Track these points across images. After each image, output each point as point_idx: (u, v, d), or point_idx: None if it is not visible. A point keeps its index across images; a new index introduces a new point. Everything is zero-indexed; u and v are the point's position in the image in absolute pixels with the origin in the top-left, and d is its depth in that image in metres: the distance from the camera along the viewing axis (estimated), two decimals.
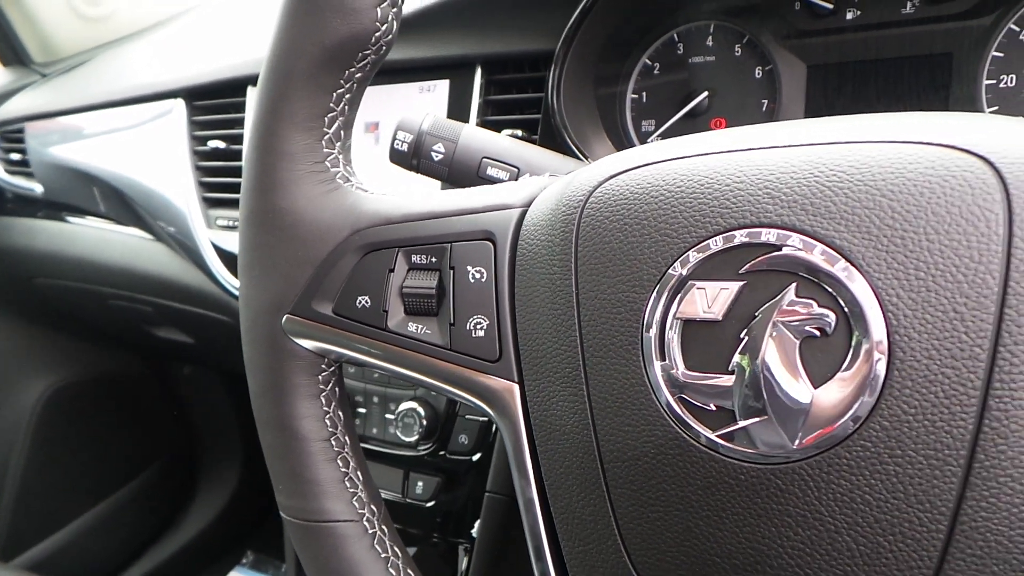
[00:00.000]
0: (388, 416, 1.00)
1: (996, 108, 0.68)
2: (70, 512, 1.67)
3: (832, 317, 0.32)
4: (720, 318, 0.34)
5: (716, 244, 0.34)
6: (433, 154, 0.60)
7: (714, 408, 0.34)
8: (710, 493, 0.35)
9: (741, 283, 0.34)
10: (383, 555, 0.47)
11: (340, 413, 0.49)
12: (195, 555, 1.85)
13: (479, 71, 0.87)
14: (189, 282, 1.18)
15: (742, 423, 0.34)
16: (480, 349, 0.42)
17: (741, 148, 0.36)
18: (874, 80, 0.73)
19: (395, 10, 0.44)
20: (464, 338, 0.43)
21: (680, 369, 0.35)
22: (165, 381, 1.85)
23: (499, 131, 0.85)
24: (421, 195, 0.46)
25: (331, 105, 0.45)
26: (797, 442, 0.32)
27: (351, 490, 0.48)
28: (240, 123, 1.08)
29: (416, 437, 0.94)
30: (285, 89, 0.44)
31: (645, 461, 0.36)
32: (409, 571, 0.48)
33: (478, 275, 0.43)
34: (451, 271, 0.43)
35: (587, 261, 0.38)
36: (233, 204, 1.09)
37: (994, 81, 0.68)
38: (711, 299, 0.34)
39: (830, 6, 0.73)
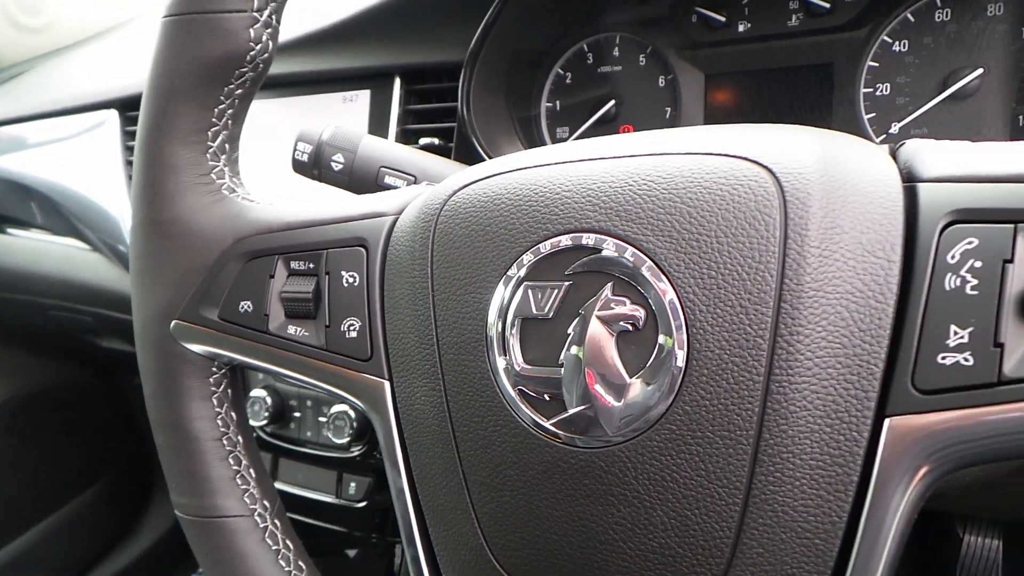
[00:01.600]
0: (321, 419, 1.02)
1: (873, 114, 0.73)
2: (17, 527, 1.66)
3: (642, 314, 0.35)
4: (551, 316, 0.37)
5: (545, 248, 0.37)
6: (333, 164, 0.62)
7: (548, 398, 0.37)
8: (547, 477, 0.38)
9: (568, 283, 0.37)
10: (274, 548, 0.50)
11: (233, 414, 0.51)
12: (148, 568, 1.84)
13: (398, 81, 0.89)
14: (126, 291, 1.18)
15: (570, 411, 0.37)
16: (353, 349, 0.45)
17: (572, 160, 0.39)
18: (766, 88, 0.78)
19: (269, 30, 0.47)
20: (338, 339, 0.45)
21: (519, 363, 0.38)
22: (115, 392, 1.84)
23: (418, 140, 0.88)
24: (302, 204, 0.49)
25: (213, 120, 0.48)
26: (615, 428, 0.36)
27: (243, 487, 0.50)
28: None
29: (347, 439, 0.96)
30: (166, 106, 0.46)
31: (493, 449, 0.39)
32: (300, 563, 0.50)
33: (351, 279, 0.45)
34: (326, 276, 0.46)
35: (440, 265, 0.41)
36: None
37: (871, 89, 0.73)
38: (543, 298, 0.37)
39: (722, 19, 0.77)
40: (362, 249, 0.45)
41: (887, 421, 0.32)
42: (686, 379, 0.34)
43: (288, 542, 0.51)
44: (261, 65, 0.47)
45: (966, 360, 0.30)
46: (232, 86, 0.47)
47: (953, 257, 0.31)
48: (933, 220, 0.31)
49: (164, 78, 0.46)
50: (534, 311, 0.38)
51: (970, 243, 0.30)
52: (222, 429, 0.50)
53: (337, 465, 1.02)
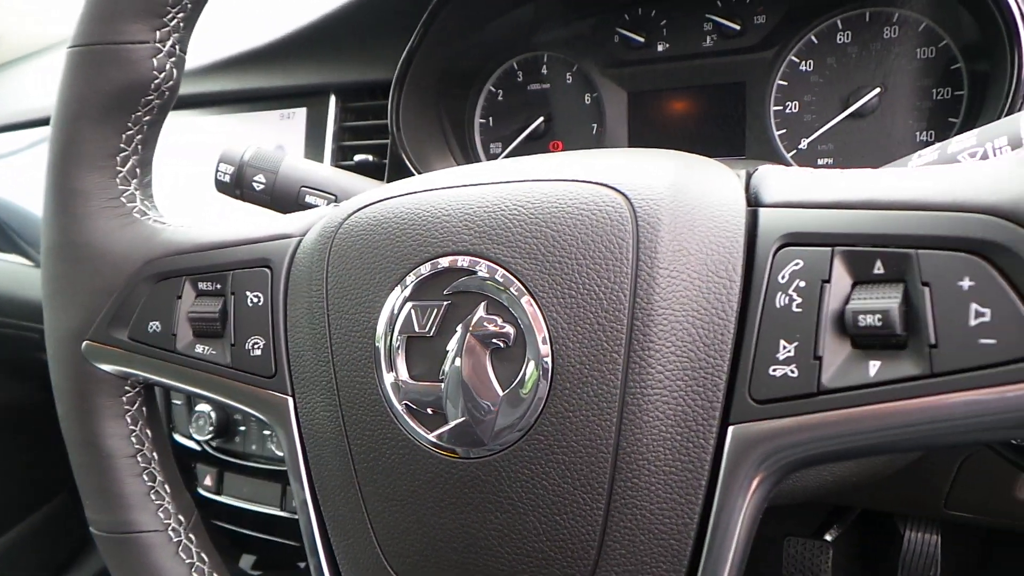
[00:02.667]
0: (266, 432, 1.03)
1: (784, 131, 0.76)
2: None
3: (512, 331, 0.37)
4: (432, 333, 0.39)
5: (426, 269, 0.39)
6: (255, 184, 0.64)
7: (431, 412, 0.39)
8: (433, 487, 0.40)
9: (447, 303, 0.39)
10: (187, 561, 0.51)
11: (148, 431, 0.52)
12: None
13: (333, 99, 0.91)
14: None
15: (450, 424, 0.39)
16: (258, 366, 0.47)
17: (455, 185, 0.41)
18: (684, 105, 0.81)
19: (173, 59, 0.48)
20: (243, 357, 0.47)
21: (405, 378, 0.40)
22: None
23: (352, 156, 0.90)
24: (212, 226, 0.50)
25: (122, 146, 0.49)
26: (489, 439, 0.38)
27: (156, 502, 0.51)
28: None
29: None
30: (74, 133, 0.48)
31: (384, 461, 0.41)
32: (215, 575, 0.52)
33: (255, 299, 0.47)
34: (232, 296, 0.47)
35: (334, 284, 0.43)
36: None
37: (781, 107, 0.76)
38: (425, 317, 0.39)
39: (641, 39, 0.80)
40: (267, 270, 0.47)
41: (730, 429, 0.34)
42: (551, 393, 0.36)
43: (204, 556, 0.52)
44: (167, 92, 0.49)
45: (792, 372, 0.32)
46: (139, 113, 0.49)
47: (783, 277, 0.33)
48: (768, 243, 0.34)
49: (71, 106, 0.48)
50: (417, 329, 0.40)
51: (796, 264, 0.33)
52: (136, 446, 0.51)
53: (282, 478, 1.03)
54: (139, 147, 0.50)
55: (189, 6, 0.47)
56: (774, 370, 0.33)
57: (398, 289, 0.40)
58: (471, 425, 0.38)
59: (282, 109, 0.95)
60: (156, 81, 0.48)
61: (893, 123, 0.72)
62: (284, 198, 0.64)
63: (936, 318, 0.29)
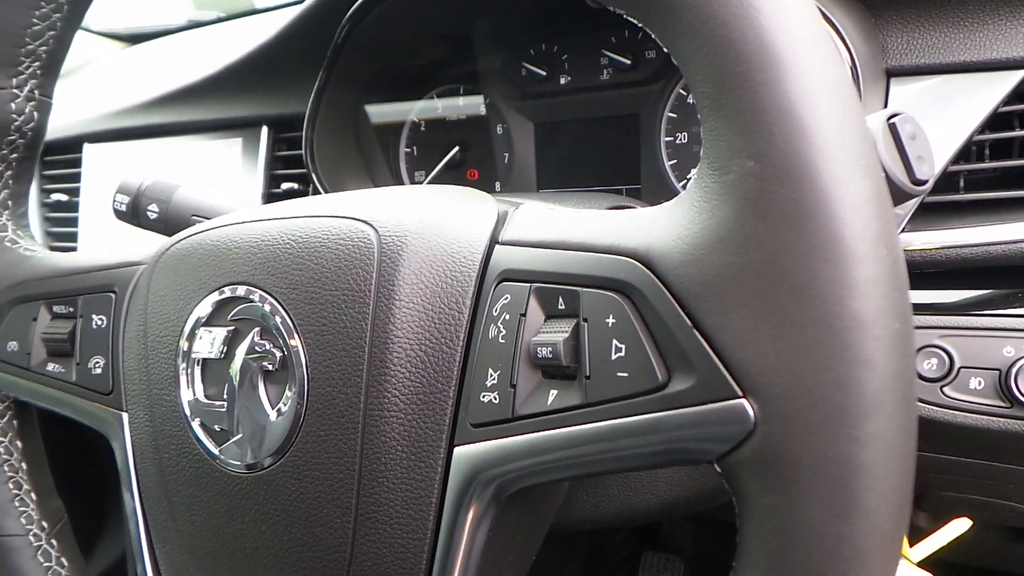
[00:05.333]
0: None
1: (675, 161, 0.78)
2: None
3: (279, 355, 0.41)
4: (220, 356, 0.43)
5: (216, 296, 0.43)
6: (149, 213, 0.68)
7: (219, 429, 0.43)
8: (221, 499, 0.43)
9: (231, 328, 0.42)
10: (45, 564, 0.55)
11: (18, 442, 0.57)
12: None
13: (265, 130, 0.96)
14: None
15: (231, 440, 0.42)
16: (98, 384, 0.50)
17: (250, 220, 0.45)
18: (585, 136, 0.84)
19: (33, 103, 0.53)
20: (86, 375, 0.51)
21: (200, 397, 0.44)
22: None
23: (280, 184, 0.94)
24: (74, 253, 0.55)
25: None
26: (260, 456, 0.41)
27: (21, 508, 0.56)
28: (78, 178, 1.16)
29: None
30: None
31: (186, 474, 0.45)
32: None
33: (100, 322, 0.51)
34: (80, 319, 0.52)
35: (152, 309, 0.47)
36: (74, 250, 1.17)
37: (671, 138, 0.78)
38: (215, 340, 0.43)
39: (543, 72, 0.84)
40: (112, 294, 0.51)
41: (455, 450, 0.37)
42: (307, 415, 0.39)
43: (64, 560, 0.56)
44: (30, 133, 0.54)
45: (495, 399, 0.35)
46: (5, 151, 0.54)
47: (496, 310, 0.36)
48: (492, 278, 0.37)
49: None
50: (208, 352, 0.43)
51: (506, 299, 0.35)
52: (4, 456, 0.56)
53: None
54: (11, 182, 0.55)
55: (44, 56, 0.51)
56: (483, 396, 0.35)
57: (195, 314, 0.44)
58: (246, 442, 0.41)
59: (224, 139, 1.00)
60: (16, 123, 0.53)
61: None
62: (177, 226, 0.68)
63: (589, 352, 0.31)
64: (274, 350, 0.41)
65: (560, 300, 0.33)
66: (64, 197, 1.18)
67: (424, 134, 0.94)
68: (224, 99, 0.97)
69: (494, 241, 0.39)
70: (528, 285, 0.35)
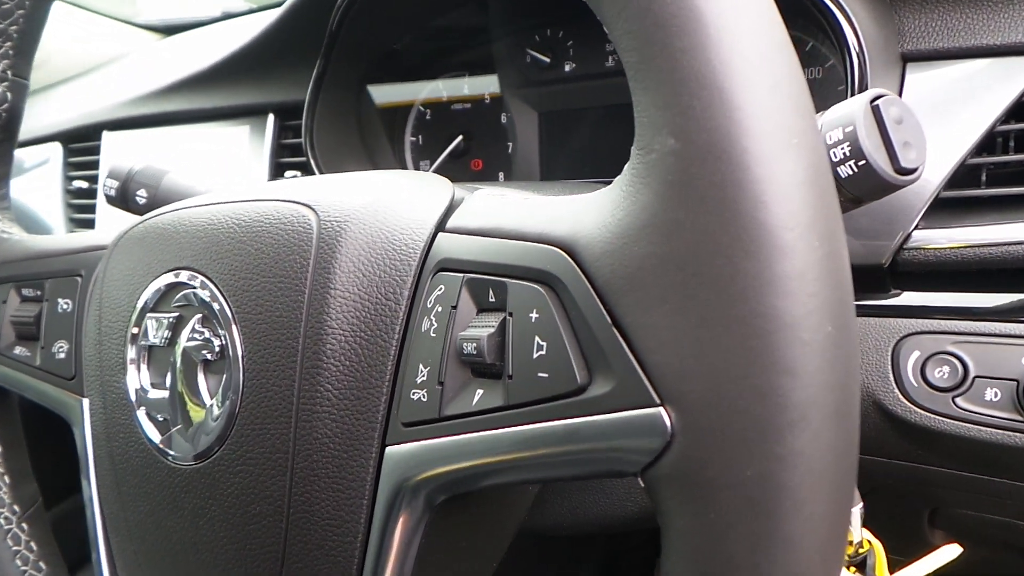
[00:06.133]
0: None
1: None
2: None
3: (217, 344, 0.39)
4: (164, 344, 0.41)
5: (162, 282, 0.42)
6: (138, 199, 0.68)
7: (162, 419, 0.41)
8: (163, 490, 0.42)
9: (176, 315, 0.41)
10: (14, 548, 0.55)
11: None
12: None
13: (271, 118, 0.95)
14: None
15: (171, 431, 0.41)
16: (61, 368, 0.50)
17: (195, 205, 0.43)
18: (590, 125, 0.80)
19: (6, 83, 0.52)
20: (50, 359, 0.50)
21: (145, 386, 0.42)
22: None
23: (284, 173, 0.93)
24: (45, 237, 0.54)
25: None
26: (198, 448, 0.39)
27: None
28: (97, 165, 1.18)
29: None
30: None
31: (134, 464, 0.43)
32: (41, 563, 0.55)
33: (65, 306, 0.50)
34: (46, 303, 0.51)
35: (107, 294, 0.46)
36: None
37: None
38: (159, 328, 0.42)
39: (547, 59, 0.81)
40: (78, 278, 0.50)
41: (387, 450, 0.34)
42: (241, 408, 0.38)
43: (33, 544, 0.56)
44: (5, 114, 0.53)
45: (424, 397, 0.32)
46: None
47: (430, 302, 0.33)
48: (430, 267, 0.34)
49: None
50: (152, 339, 0.42)
51: (440, 290, 0.33)
52: None
53: None
54: None
55: (15, 35, 0.51)
56: (414, 394, 0.33)
57: (142, 300, 0.43)
58: (185, 434, 0.40)
59: (232, 125, 1.00)
60: None
61: None
62: None
63: (512, 349, 0.29)
64: (213, 339, 0.39)
65: (491, 292, 0.31)
66: (85, 184, 1.19)
67: (429, 123, 0.92)
68: (231, 87, 0.97)
69: (439, 229, 0.36)
70: (461, 276, 0.32)
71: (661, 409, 0.23)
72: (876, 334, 0.58)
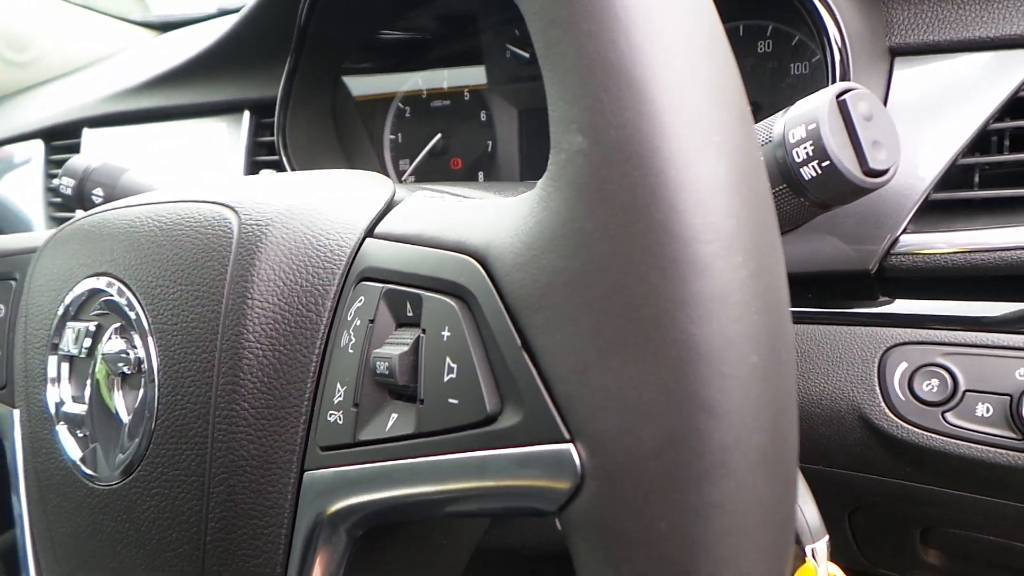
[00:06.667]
0: None
1: None
2: None
3: (134, 356, 0.36)
4: (84, 355, 0.39)
5: (82, 287, 0.39)
6: (94, 197, 0.65)
7: (81, 435, 0.39)
8: (84, 511, 0.39)
9: (95, 323, 0.38)
10: None
11: None
12: None
13: (247, 114, 0.92)
14: None
15: (89, 448, 0.38)
16: None
17: (119, 207, 0.40)
18: None
19: None
20: None
21: (65, 399, 0.40)
22: None
23: (260, 171, 0.91)
24: None
25: None
26: (114, 469, 0.37)
27: None
28: None
29: None
30: None
31: (56, 480, 0.41)
32: None
33: None
34: None
35: (32, 300, 0.43)
36: None
37: None
38: (79, 337, 0.39)
39: (527, 55, 0.78)
40: (12, 282, 0.48)
41: (306, 475, 0.32)
42: (157, 424, 0.35)
43: None
44: None
45: (340, 419, 0.30)
46: None
47: (350, 315, 0.31)
48: (354, 276, 0.32)
49: None
50: (71, 349, 0.39)
51: (360, 301, 0.30)
52: None
53: None
54: None
55: None
56: (331, 415, 0.30)
57: (62, 307, 0.40)
58: (102, 452, 0.37)
59: (208, 122, 0.97)
60: None
61: None
62: None
63: (424, 370, 0.26)
64: (130, 351, 0.36)
65: (408, 306, 0.28)
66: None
67: (408, 120, 0.89)
68: (208, 83, 0.94)
69: (369, 234, 0.34)
70: (381, 287, 0.29)
71: (571, 446, 0.20)
72: (862, 344, 0.54)
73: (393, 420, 0.27)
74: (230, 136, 0.94)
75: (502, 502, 0.24)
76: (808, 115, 0.31)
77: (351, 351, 0.30)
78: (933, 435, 0.51)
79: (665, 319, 0.18)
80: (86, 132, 1.14)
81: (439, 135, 0.85)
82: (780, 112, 0.35)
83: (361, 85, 0.87)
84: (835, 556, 0.72)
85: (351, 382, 0.29)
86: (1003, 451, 0.49)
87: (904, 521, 0.64)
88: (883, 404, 0.53)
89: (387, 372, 0.27)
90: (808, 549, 0.35)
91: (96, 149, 1.14)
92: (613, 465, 0.19)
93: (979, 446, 0.50)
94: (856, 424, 0.54)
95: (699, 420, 0.18)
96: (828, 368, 0.55)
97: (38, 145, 1.26)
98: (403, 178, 0.90)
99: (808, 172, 0.31)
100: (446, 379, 0.25)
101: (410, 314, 0.28)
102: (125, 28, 1.84)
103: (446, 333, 0.25)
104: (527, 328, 0.22)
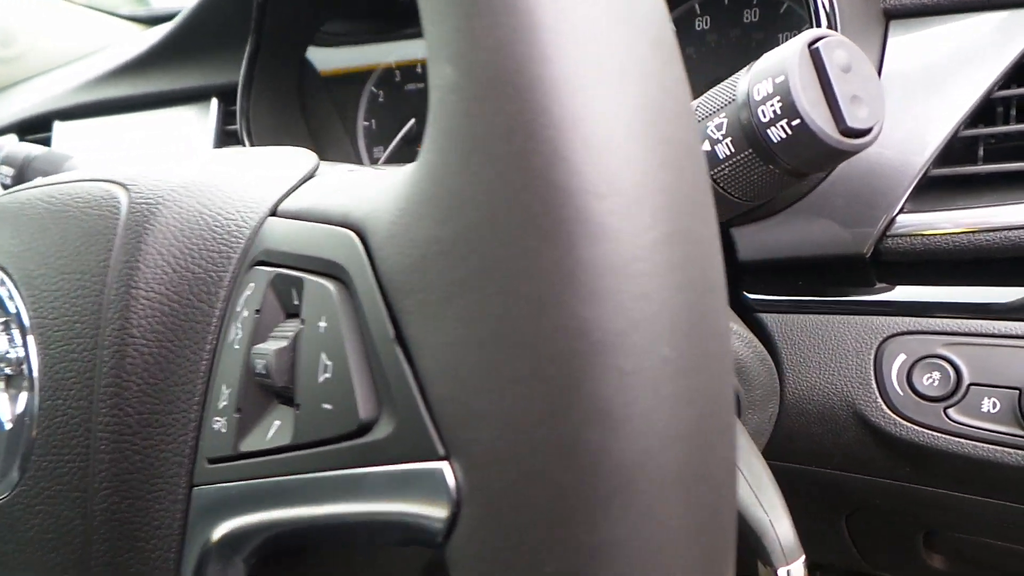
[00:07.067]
0: None
1: None
2: None
3: (15, 355, 0.32)
4: None
5: None
6: (9, 182, 0.61)
7: None
8: None
9: None
10: None
11: None
12: None
13: (214, 102, 0.88)
14: None
15: None
16: None
17: (22, 188, 0.36)
18: None
19: None
20: None
21: None
22: None
23: None
24: None
25: None
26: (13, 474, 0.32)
27: None
28: None
29: None
30: None
31: None
32: None
33: None
34: None
35: None
36: None
37: None
38: None
39: None
40: None
41: (194, 491, 0.27)
42: (38, 432, 0.31)
43: None
44: None
45: (223, 427, 0.25)
46: None
47: (239, 304, 0.26)
48: (250, 260, 0.27)
49: None
50: None
51: (249, 289, 0.26)
52: None
53: None
54: None
55: None
56: (215, 422, 0.26)
57: None
58: None
59: (175, 110, 0.93)
60: None
61: None
62: None
63: (300, 369, 0.21)
64: (11, 350, 0.32)
65: (294, 292, 0.24)
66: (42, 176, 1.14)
67: (383, 105, 0.85)
68: (173, 70, 0.90)
69: (273, 213, 0.29)
70: (271, 271, 0.25)
71: (445, 464, 0.16)
72: (856, 335, 0.50)
73: (275, 428, 0.23)
74: (199, 124, 0.90)
75: (380, 531, 0.20)
76: (775, 67, 0.27)
77: (236, 347, 0.25)
78: (934, 433, 0.46)
79: (549, 297, 0.14)
80: (57, 125, 1.11)
81: (413, 120, 0.81)
82: (744, 68, 0.30)
83: (329, 60, 0.83)
84: (833, 559, 0.68)
85: (235, 383, 0.25)
86: (1011, 450, 0.45)
87: (906, 524, 0.59)
88: (880, 400, 0.49)
89: (264, 372, 0.23)
90: (782, 572, 0.31)
91: (67, 141, 1.10)
92: (493, 488, 0.15)
93: (985, 445, 0.45)
94: (851, 422, 0.50)
95: (592, 430, 0.13)
96: (820, 361, 0.51)
97: (12, 140, 1.22)
98: (378, 165, 0.86)
99: (776, 133, 0.27)
100: (320, 379, 0.20)
101: (296, 302, 0.24)
102: (114, 23, 1.81)
103: (323, 324, 0.21)
104: (401, 314, 0.17)
